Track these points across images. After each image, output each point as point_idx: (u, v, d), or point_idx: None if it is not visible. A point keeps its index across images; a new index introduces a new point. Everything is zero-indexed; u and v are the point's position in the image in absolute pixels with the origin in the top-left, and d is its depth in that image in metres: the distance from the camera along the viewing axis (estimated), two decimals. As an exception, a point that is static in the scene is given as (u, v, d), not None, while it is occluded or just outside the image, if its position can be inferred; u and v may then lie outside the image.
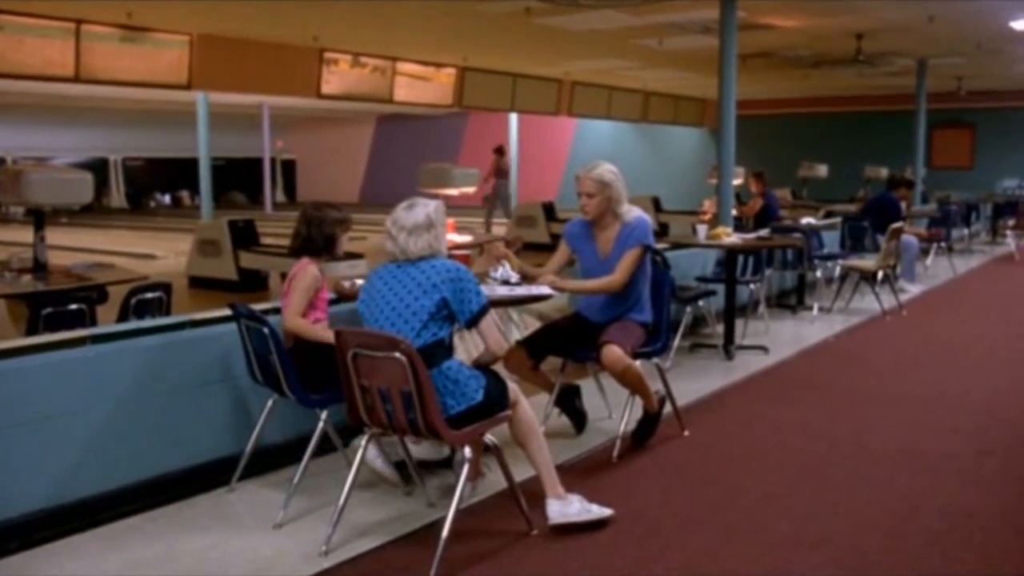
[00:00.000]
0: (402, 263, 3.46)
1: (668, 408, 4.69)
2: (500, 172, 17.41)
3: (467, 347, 5.21)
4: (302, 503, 3.75)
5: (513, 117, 18.78)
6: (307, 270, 3.99)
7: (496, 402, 3.41)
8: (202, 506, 3.83)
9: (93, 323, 5.34)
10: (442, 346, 3.39)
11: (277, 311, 4.19)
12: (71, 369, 3.61)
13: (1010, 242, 13.38)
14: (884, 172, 14.78)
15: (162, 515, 3.72)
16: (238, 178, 28.49)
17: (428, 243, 3.45)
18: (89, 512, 3.59)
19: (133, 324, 4.40)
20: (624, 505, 3.68)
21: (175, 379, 3.92)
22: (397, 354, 3.13)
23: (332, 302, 4.40)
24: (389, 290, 3.43)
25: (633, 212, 4.47)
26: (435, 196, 3.94)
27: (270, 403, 3.93)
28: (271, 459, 4.14)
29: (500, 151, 17.62)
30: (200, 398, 4.00)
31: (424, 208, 3.49)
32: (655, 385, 4.54)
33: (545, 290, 4.28)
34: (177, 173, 27.05)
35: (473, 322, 3.43)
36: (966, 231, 13.98)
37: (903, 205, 9.91)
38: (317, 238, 4.07)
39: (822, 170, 15.91)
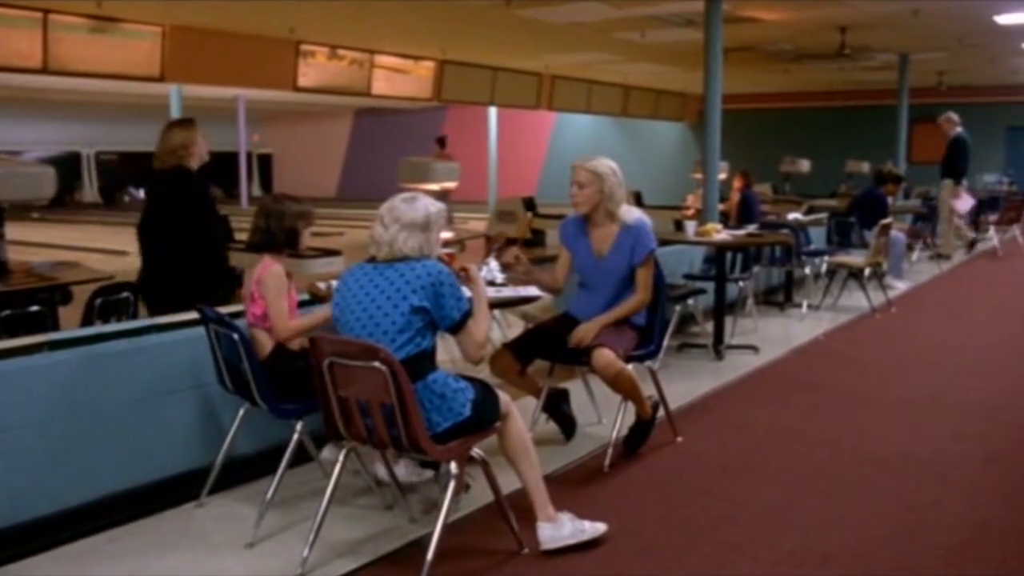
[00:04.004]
0: (379, 263, 3.19)
1: (660, 413, 4.49)
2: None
3: (448, 347, 4.98)
4: (276, 519, 3.52)
5: (492, 111, 18.55)
6: (271, 271, 3.70)
7: (484, 416, 3.18)
8: (169, 523, 3.59)
9: (55, 326, 5.06)
10: (426, 357, 3.14)
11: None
12: (26, 378, 3.36)
13: (992, 237, 13.29)
14: (866, 167, 14.68)
15: (126, 534, 3.48)
16: (213, 172, 27.96)
17: (419, 244, 3.16)
18: (46, 532, 3.34)
19: (94, 329, 4.14)
20: (618, 520, 3.47)
21: (140, 387, 3.67)
22: (376, 364, 2.91)
23: (307, 303, 4.19)
24: (365, 295, 3.15)
25: (632, 213, 4.28)
26: (415, 191, 3.69)
27: (242, 412, 3.69)
28: (243, 471, 3.91)
29: (441, 142, 16.65)
30: (167, 407, 3.76)
31: (427, 207, 3.20)
32: (647, 389, 4.34)
33: (533, 291, 4.12)
34: (152, 167, 26.58)
35: (455, 329, 3.19)
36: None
37: (889, 200, 9.78)
38: (277, 232, 3.79)
39: (804, 165, 15.78)
